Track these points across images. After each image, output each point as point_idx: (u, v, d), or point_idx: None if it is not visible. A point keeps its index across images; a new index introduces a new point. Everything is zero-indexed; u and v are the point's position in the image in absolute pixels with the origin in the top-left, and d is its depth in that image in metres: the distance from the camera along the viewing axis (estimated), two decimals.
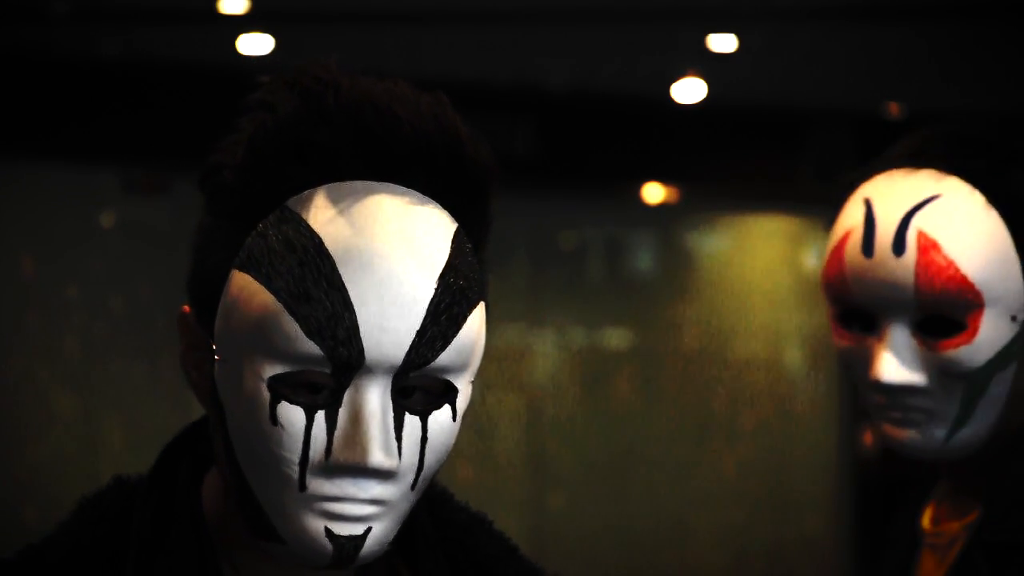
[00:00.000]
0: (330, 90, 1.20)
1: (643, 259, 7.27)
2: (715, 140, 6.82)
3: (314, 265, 1.15)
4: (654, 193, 7.10)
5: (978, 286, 1.71)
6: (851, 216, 1.77)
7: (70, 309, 6.19)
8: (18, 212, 6.11)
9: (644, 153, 6.92)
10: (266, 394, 1.16)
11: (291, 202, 1.17)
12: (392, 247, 1.16)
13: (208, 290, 1.19)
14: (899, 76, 6.35)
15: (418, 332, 1.16)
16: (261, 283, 1.16)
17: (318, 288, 1.15)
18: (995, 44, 5.72)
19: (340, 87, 1.20)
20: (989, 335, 1.71)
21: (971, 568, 1.73)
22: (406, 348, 1.16)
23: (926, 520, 1.85)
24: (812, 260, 6.99)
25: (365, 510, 1.17)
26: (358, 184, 1.18)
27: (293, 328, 1.15)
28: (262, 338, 1.16)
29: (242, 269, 1.17)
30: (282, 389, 1.16)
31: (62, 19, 5.44)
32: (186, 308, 1.23)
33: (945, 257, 1.71)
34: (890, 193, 1.75)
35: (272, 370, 1.16)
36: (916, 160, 1.78)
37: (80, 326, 6.18)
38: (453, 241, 1.20)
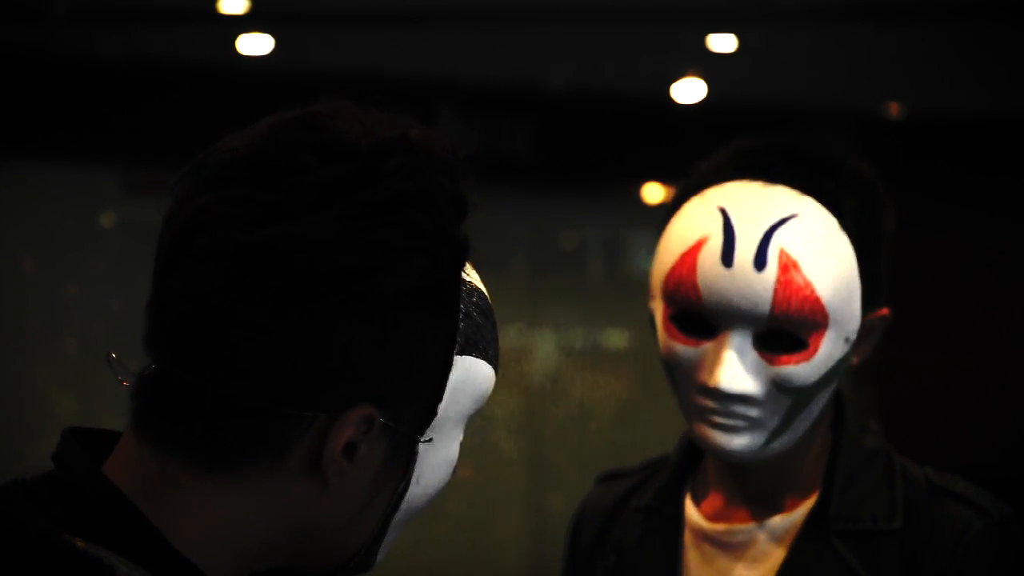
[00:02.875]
0: (435, 148, 1.19)
1: (643, 259, 7.27)
2: (715, 140, 6.82)
3: (494, 325, 1.23)
4: (654, 193, 7.10)
5: (827, 308, 1.75)
6: (705, 222, 1.78)
7: (70, 309, 6.19)
8: (18, 212, 6.11)
9: (644, 153, 6.92)
10: (457, 452, 1.23)
11: (464, 273, 1.21)
12: None
13: (419, 387, 1.18)
14: (899, 76, 6.36)
15: None
16: (482, 359, 1.21)
17: (497, 345, 1.24)
18: (995, 44, 5.73)
19: (430, 142, 1.19)
20: (825, 355, 1.76)
21: (826, 558, 1.80)
22: None
23: (696, 514, 1.89)
24: None
25: None
26: None
27: (493, 384, 1.24)
28: (474, 406, 1.22)
29: (464, 353, 1.19)
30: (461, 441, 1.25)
31: (62, 19, 5.44)
32: (367, 410, 1.15)
33: (804, 277, 1.74)
34: (748, 205, 1.77)
35: (463, 429, 1.23)
36: (768, 174, 1.80)
37: (80, 326, 6.19)
38: None
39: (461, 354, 1.18)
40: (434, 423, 1.18)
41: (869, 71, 6.26)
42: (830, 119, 7.04)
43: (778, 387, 1.75)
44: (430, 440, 1.18)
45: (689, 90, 6.40)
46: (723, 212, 1.77)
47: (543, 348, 6.90)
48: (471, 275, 1.21)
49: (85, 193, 6.23)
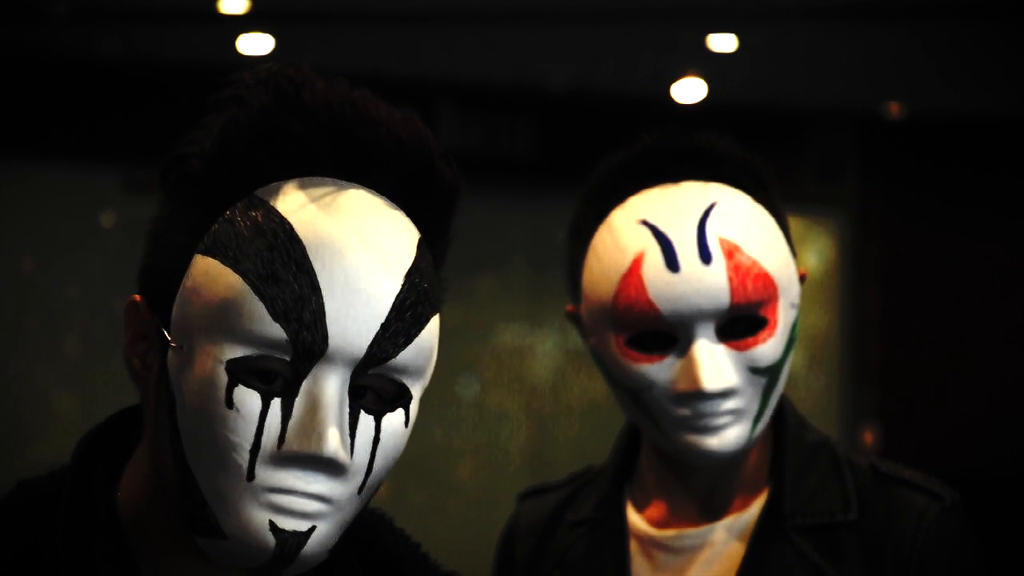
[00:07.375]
0: (306, 88, 1.21)
1: None
2: None
3: (283, 249, 1.15)
4: None
5: (775, 279, 1.78)
6: (632, 241, 1.77)
7: (70, 309, 6.19)
8: (18, 212, 6.11)
9: None
10: (223, 377, 1.15)
11: (260, 192, 1.18)
12: (361, 240, 1.17)
13: (166, 277, 1.19)
14: (899, 76, 6.36)
15: (383, 325, 1.17)
16: (227, 266, 1.16)
17: (287, 271, 1.15)
18: (994, 44, 5.73)
19: (316, 86, 1.21)
20: (783, 325, 1.78)
21: (786, 554, 1.79)
22: (370, 340, 1.16)
23: (640, 521, 1.87)
24: (812, 260, 6.99)
25: (311, 506, 1.15)
26: (328, 180, 1.19)
27: (259, 309, 1.14)
28: (224, 320, 1.15)
29: (207, 254, 1.17)
30: (239, 373, 1.15)
31: (62, 19, 5.44)
32: (136, 297, 1.23)
33: (748, 257, 1.76)
34: (667, 208, 1.77)
35: (232, 352, 1.15)
36: (665, 176, 1.82)
37: (80, 326, 6.18)
38: (417, 247, 1.21)
39: (206, 255, 1.17)
40: (181, 328, 1.17)
41: (869, 71, 6.26)
42: (830, 119, 7.04)
43: (752, 370, 1.76)
44: (182, 348, 1.17)
45: (689, 90, 6.39)
46: (646, 223, 1.77)
47: (543, 348, 6.90)
48: (296, 211, 1.17)
49: (85, 193, 6.23)
